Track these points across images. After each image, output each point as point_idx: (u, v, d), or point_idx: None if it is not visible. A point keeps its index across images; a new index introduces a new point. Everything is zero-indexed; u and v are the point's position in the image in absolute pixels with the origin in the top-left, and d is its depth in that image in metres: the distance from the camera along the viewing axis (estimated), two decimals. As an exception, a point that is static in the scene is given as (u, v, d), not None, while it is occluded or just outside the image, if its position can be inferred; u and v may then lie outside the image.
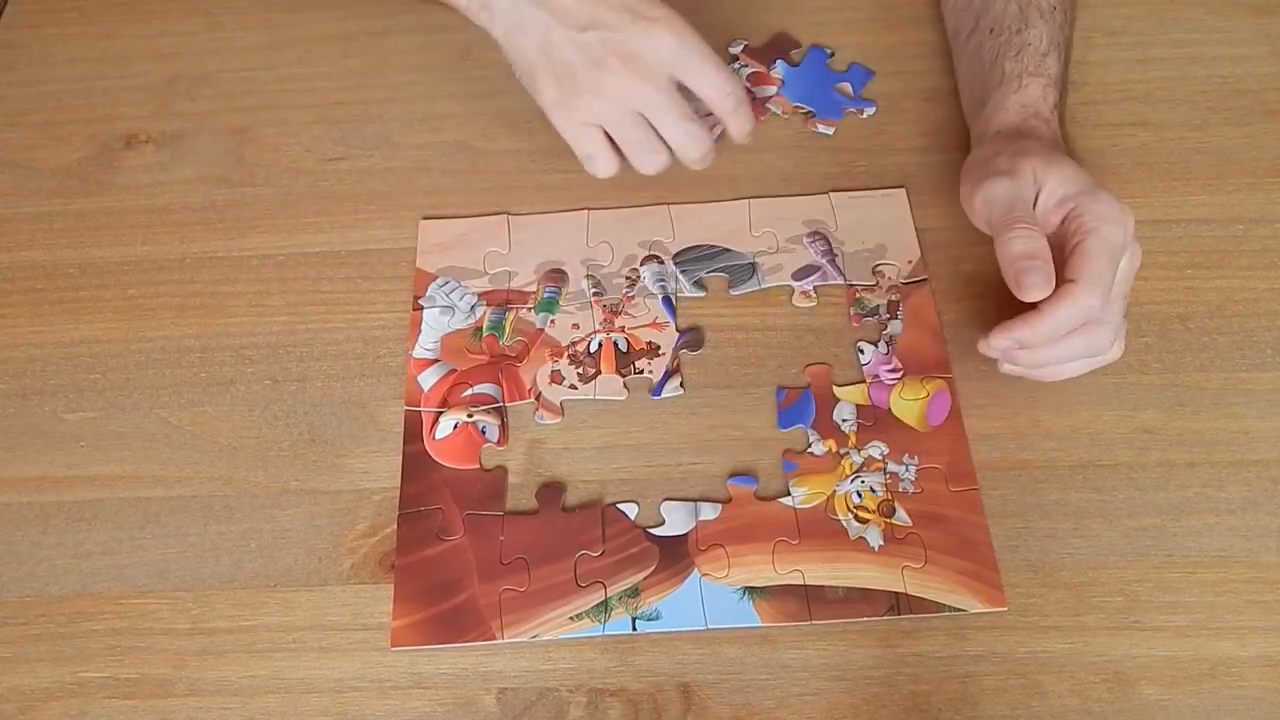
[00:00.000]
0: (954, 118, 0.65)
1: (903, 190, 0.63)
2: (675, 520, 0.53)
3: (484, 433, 0.56)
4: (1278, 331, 0.57)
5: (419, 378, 0.58)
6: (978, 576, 0.50)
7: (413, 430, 0.56)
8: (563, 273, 0.61)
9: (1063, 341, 0.51)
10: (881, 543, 0.51)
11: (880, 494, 0.53)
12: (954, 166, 0.58)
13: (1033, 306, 0.50)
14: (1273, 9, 0.69)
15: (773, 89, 0.68)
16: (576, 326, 0.59)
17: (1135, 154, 0.64)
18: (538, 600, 0.51)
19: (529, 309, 0.60)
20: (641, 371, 0.57)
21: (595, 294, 0.60)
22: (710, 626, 0.50)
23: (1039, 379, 0.54)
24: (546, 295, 0.60)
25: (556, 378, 0.57)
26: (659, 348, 0.58)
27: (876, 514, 0.52)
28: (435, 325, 0.59)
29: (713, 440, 0.55)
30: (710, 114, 0.58)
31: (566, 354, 0.58)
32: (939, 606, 0.50)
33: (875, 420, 0.55)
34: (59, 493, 0.56)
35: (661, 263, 0.61)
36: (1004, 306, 0.51)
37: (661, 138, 0.58)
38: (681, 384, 0.57)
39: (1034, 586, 0.50)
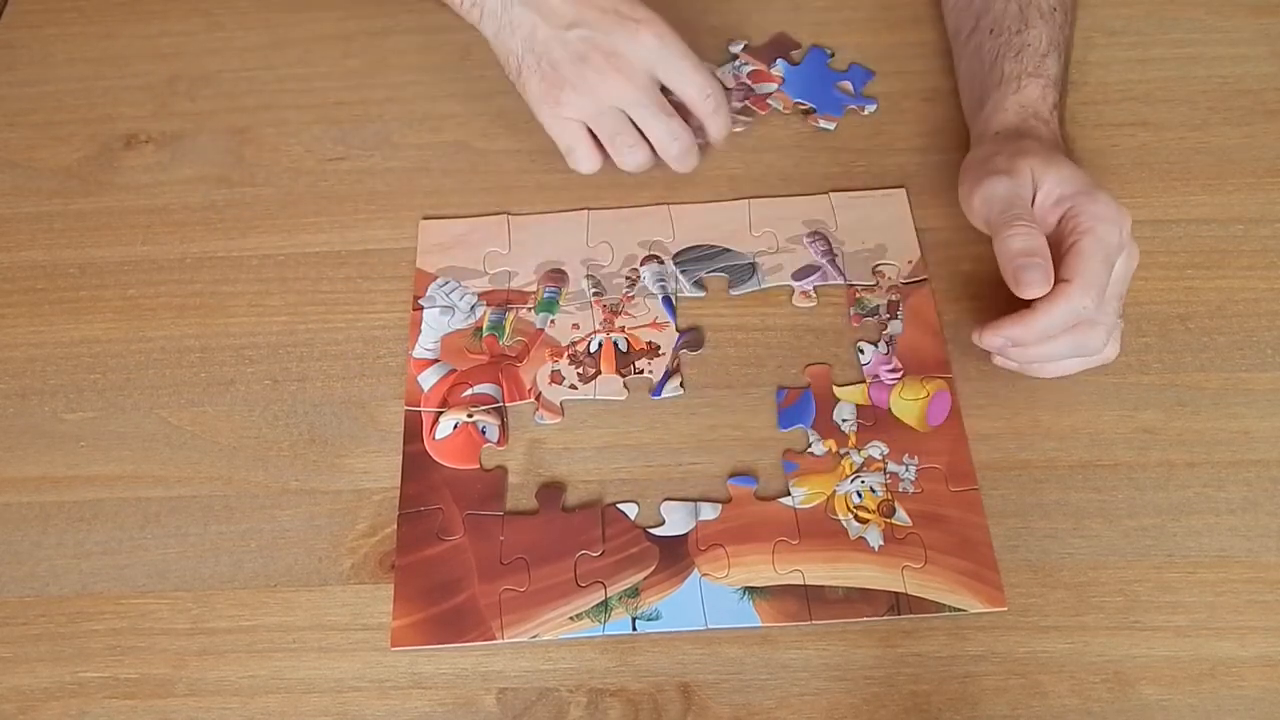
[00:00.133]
0: (954, 118, 0.65)
1: (903, 190, 0.63)
2: (675, 520, 0.53)
3: (484, 433, 0.56)
4: (1278, 331, 0.57)
5: (419, 378, 0.58)
6: (978, 576, 0.50)
7: (413, 430, 0.56)
8: (563, 273, 0.61)
9: (1056, 340, 0.51)
10: (881, 543, 0.51)
11: (880, 494, 0.53)
12: (954, 166, 0.58)
13: (1030, 304, 0.50)
14: (1273, 9, 0.69)
15: (773, 85, 0.68)
16: (576, 326, 0.59)
17: (1135, 154, 0.64)
18: (538, 600, 0.51)
19: (529, 309, 0.60)
20: (641, 371, 0.57)
21: (595, 294, 0.60)
22: (710, 626, 0.50)
23: (1033, 375, 0.55)
24: (546, 295, 0.60)
25: (556, 378, 0.57)
26: (659, 348, 0.58)
27: (876, 514, 0.52)
28: (435, 325, 0.59)
29: (713, 440, 0.55)
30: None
31: (566, 354, 0.58)
32: (939, 606, 0.50)
33: (875, 420, 0.55)
34: (59, 493, 0.56)
35: (661, 263, 0.61)
36: (1003, 306, 0.51)
37: (643, 135, 0.59)
38: (681, 384, 0.57)
39: (1034, 586, 0.50)
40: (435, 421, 0.56)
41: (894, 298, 0.59)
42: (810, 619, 0.50)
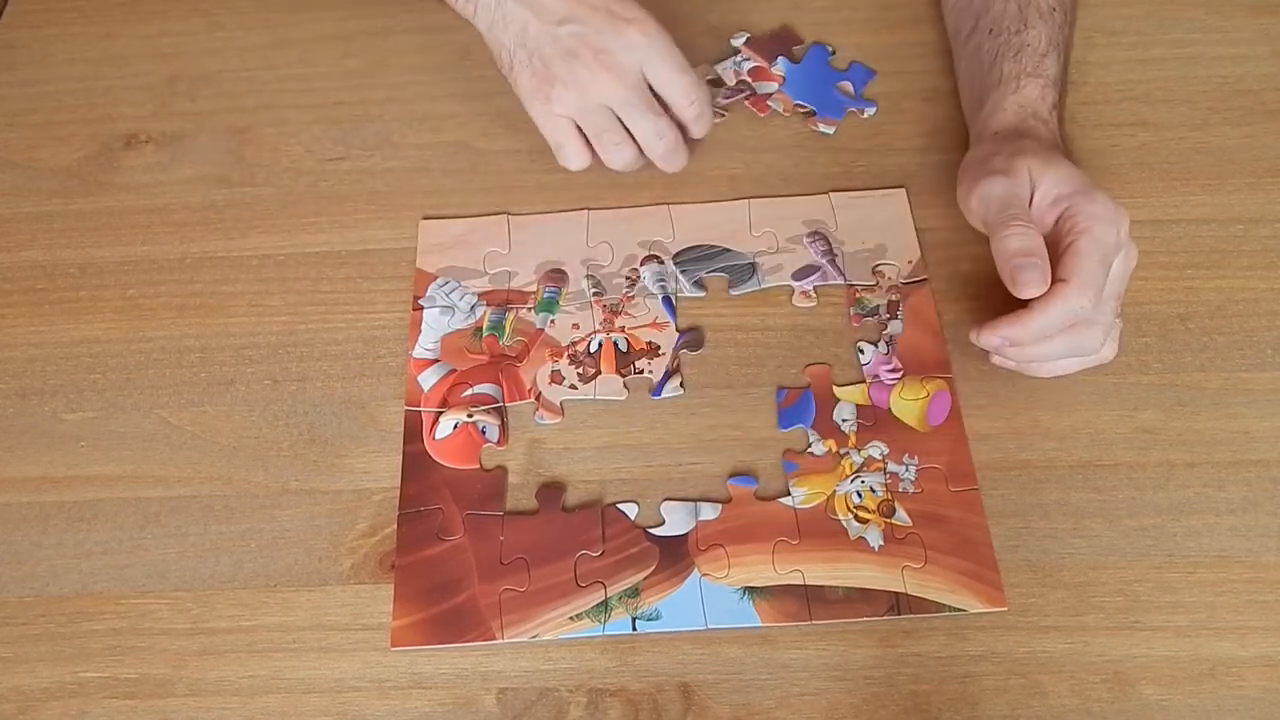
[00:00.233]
0: (954, 118, 0.65)
1: (903, 190, 0.63)
2: (675, 520, 0.53)
3: (484, 433, 0.56)
4: (1278, 331, 0.57)
5: (419, 378, 0.58)
6: (978, 576, 0.50)
7: (413, 430, 0.56)
8: (563, 273, 0.61)
9: (1053, 340, 0.51)
10: (881, 543, 0.51)
11: (880, 494, 0.53)
12: (954, 166, 0.58)
13: (1027, 304, 0.50)
14: (1273, 9, 0.69)
15: (774, 85, 0.68)
16: (576, 326, 0.59)
17: (1135, 154, 0.64)
18: (538, 600, 0.51)
19: (529, 309, 0.60)
20: (641, 371, 0.57)
21: (595, 294, 0.60)
22: (710, 626, 0.50)
23: (1031, 374, 0.55)
24: (546, 295, 0.60)
25: (556, 378, 0.57)
26: (659, 348, 0.58)
27: (876, 514, 0.52)
28: (435, 325, 0.59)
29: (713, 440, 0.55)
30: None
31: (566, 354, 0.58)
32: (939, 606, 0.50)
33: (875, 420, 0.55)
34: (59, 493, 0.56)
35: (661, 263, 0.61)
36: (1003, 306, 0.51)
37: (631, 133, 0.59)
38: (681, 384, 0.57)
39: (1034, 586, 0.50)
40: (435, 421, 0.56)
41: (894, 298, 0.59)
42: (810, 619, 0.50)
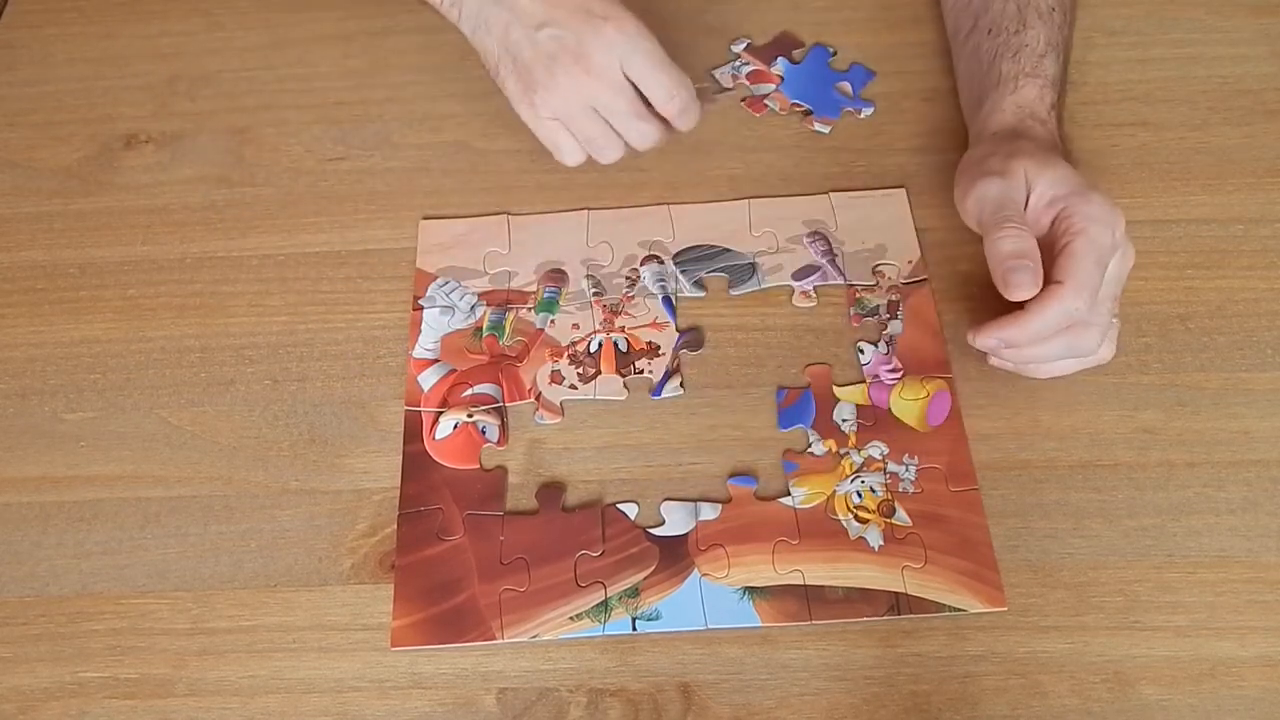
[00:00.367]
0: (953, 118, 0.65)
1: (903, 190, 0.63)
2: (675, 520, 0.53)
3: (484, 433, 0.56)
4: (1278, 331, 0.57)
5: (419, 378, 0.58)
6: (978, 576, 0.50)
7: (413, 430, 0.56)
8: (563, 273, 0.61)
9: (1049, 341, 0.51)
10: (881, 543, 0.51)
11: (880, 494, 0.53)
12: (953, 166, 0.58)
13: (1024, 305, 0.50)
14: (1273, 9, 0.69)
15: (771, 86, 0.68)
16: (576, 326, 0.59)
17: (1135, 154, 0.64)
18: (538, 600, 0.51)
19: (529, 309, 0.60)
20: (641, 371, 0.57)
21: (595, 294, 0.60)
22: (710, 626, 0.50)
23: (1028, 375, 0.55)
24: (546, 295, 0.60)
25: (556, 378, 0.57)
26: (659, 348, 0.58)
27: (876, 514, 0.52)
28: (435, 325, 0.59)
29: (713, 440, 0.55)
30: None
31: (566, 354, 0.58)
32: (939, 606, 0.50)
33: (875, 420, 0.55)
34: (59, 493, 0.56)
35: (661, 263, 0.61)
36: (1002, 306, 0.51)
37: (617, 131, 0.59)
38: (681, 384, 0.57)
39: (1034, 586, 0.50)
40: (435, 421, 0.56)
41: (894, 298, 0.59)
42: (810, 619, 0.50)
